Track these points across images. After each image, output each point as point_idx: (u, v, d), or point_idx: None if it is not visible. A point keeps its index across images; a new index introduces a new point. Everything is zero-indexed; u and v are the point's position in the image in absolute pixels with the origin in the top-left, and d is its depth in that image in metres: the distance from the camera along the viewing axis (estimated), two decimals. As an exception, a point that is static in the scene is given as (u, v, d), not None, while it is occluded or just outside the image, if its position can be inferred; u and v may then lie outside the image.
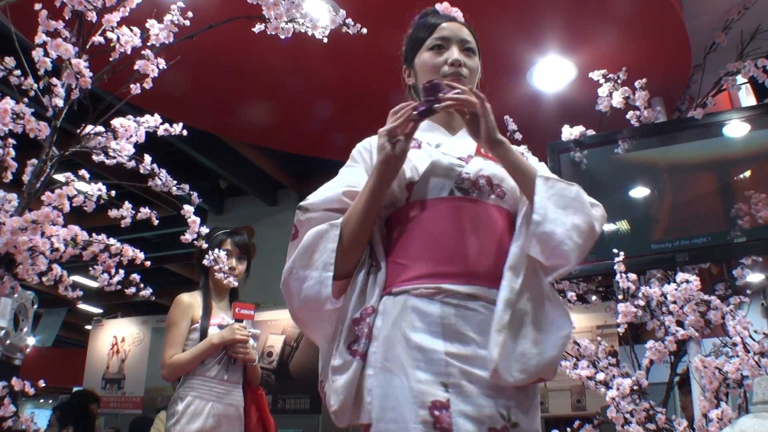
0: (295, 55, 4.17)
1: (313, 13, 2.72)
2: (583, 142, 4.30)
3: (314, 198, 1.81)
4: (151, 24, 2.39)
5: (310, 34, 2.71)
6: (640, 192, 4.17)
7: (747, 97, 5.19)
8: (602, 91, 4.28)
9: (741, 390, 3.46)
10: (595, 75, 4.27)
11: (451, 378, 1.55)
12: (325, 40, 2.74)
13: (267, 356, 7.14)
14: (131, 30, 2.33)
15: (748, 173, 4.05)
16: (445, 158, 1.80)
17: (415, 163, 1.79)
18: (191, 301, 3.29)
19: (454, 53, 1.88)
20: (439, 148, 1.85)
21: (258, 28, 2.66)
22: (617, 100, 4.24)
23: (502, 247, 1.72)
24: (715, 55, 4.47)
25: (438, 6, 2.09)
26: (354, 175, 1.85)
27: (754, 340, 3.42)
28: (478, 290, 1.66)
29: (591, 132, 4.33)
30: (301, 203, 1.80)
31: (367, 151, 1.90)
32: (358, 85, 4.67)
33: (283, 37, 2.69)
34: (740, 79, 4.32)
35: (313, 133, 5.44)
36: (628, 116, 4.29)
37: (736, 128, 4.18)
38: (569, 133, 4.27)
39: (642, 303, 3.65)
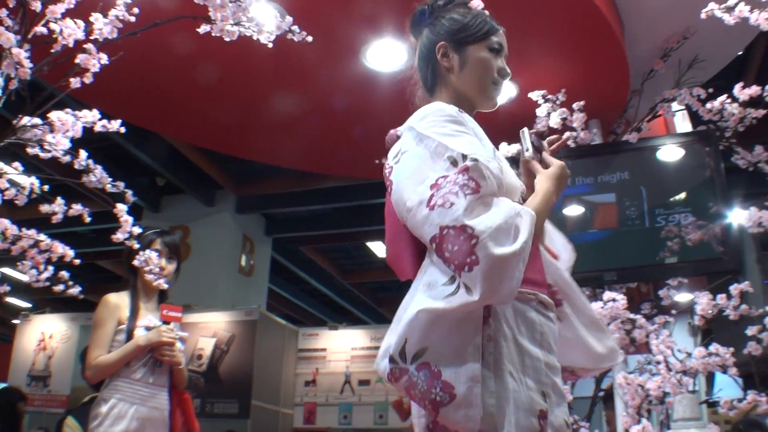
0: (239, 58, 4.15)
1: (259, 18, 2.73)
2: (519, 159, 4.35)
3: (483, 159, 1.56)
4: (96, 18, 2.38)
5: (255, 38, 2.72)
6: (573, 210, 4.26)
7: (683, 123, 5.34)
8: (541, 111, 4.36)
9: (663, 407, 3.55)
10: (535, 95, 4.35)
11: (547, 387, 1.59)
12: (270, 45, 2.75)
13: (196, 359, 7.07)
14: (75, 23, 2.32)
15: (680, 196, 4.16)
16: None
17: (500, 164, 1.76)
18: (118, 301, 3.24)
19: (505, 65, 1.91)
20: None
21: (203, 29, 2.66)
22: (555, 120, 4.33)
23: None
24: (652, 82, 4.59)
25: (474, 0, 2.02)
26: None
27: (677, 359, 3.53)
28: (550, 301, 1.73)
29: (528, 150, 4.39)
30: (476, 157, 1.55)
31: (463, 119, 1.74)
32: (300, 92, 4.67)
33: (228, 39, 2.69)
34: (675, 106, 4.45)
35: (254, 137, 5.41)
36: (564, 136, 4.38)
37: (670, 153, 4.30)
38: (506, 150, 4.33)
39: (570, 319, 3.72)
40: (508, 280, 1.46)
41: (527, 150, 1.84)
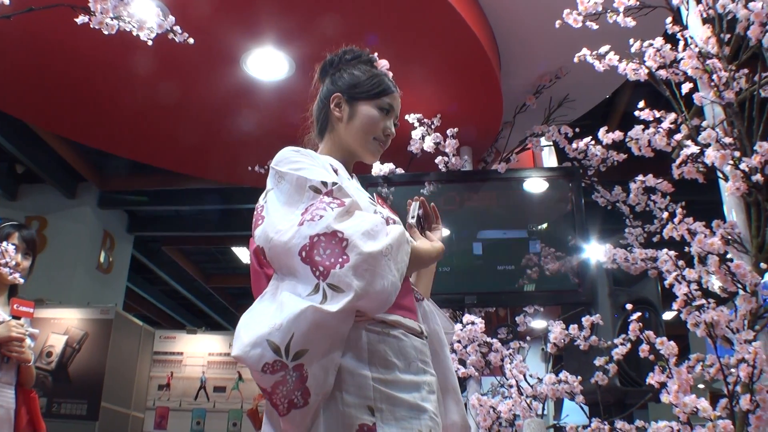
0: (115, 53, 4.03)
1: (140, 14, 2.68)
2: (391, 179, 4.44)
3: (340, 183, 1.73)
4: (-35, -2, 2.28)
5: (135, 34, 2.67)
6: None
7: (549, 158, 5.55)
8: (416, 134, 4.44)
9: (512, 429, 3.66)
10: (411, 118, 4.42)
11: (377, 402, 1.58)
12: (150, 42, 2.71)
13: (46, 356, 6.78)
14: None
15: (541, 227, 4.33)
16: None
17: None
18: (-35, 294, 3.10)
19: (392, 126, 2.02)
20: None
21: (81, 19, 2.59)
22: (429, 144, 4.42)
23: None
24: (524, 116, 4.77)
25: (380, 60, 2.10)
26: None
27: (528, 383, 3.65)
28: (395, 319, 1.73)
29: (400, 170, 4.47)
30: (336, 181, 1.72)
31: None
32: (171, 92, 4.57)
33: (106, 33, 2.64)
34: (544, 141, 4.62)
35: (118, 131, 5.24)
36: (437, 161, 4.47)
37: (535, 185, 4.47)
38: (379, 168, 4.39)
39: (428, 340, 3.80)
40: (380, 278, 1.55)
41: (412, 218, 1.97)
